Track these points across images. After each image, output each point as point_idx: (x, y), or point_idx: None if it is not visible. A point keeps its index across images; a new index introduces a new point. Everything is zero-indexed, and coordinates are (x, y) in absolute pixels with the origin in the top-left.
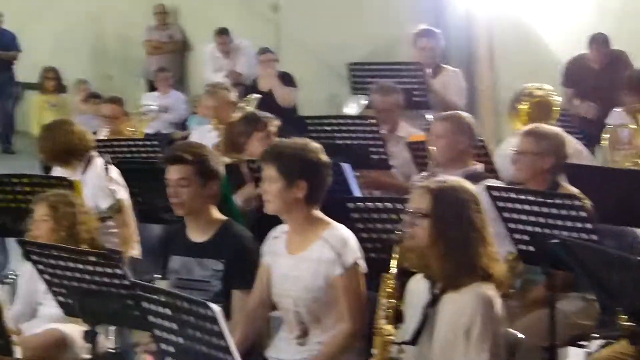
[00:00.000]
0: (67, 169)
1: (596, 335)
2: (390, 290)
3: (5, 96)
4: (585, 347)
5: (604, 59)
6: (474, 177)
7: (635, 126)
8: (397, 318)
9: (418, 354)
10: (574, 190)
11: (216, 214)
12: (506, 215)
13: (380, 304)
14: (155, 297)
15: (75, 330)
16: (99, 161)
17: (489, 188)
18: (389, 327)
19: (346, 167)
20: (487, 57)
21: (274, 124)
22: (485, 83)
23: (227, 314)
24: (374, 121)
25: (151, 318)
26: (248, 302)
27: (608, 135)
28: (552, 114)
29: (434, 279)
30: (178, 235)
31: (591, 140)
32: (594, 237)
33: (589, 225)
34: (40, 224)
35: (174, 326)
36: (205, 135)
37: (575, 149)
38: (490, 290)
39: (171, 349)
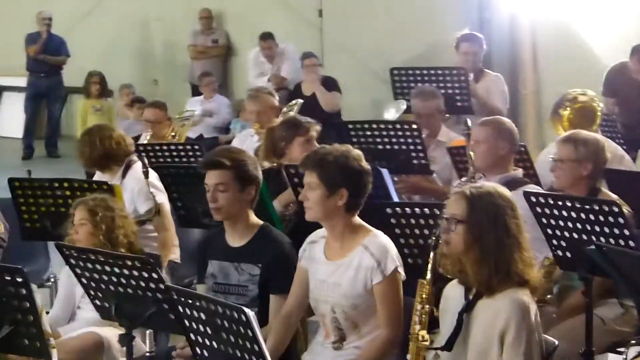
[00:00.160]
0: (107, 174)
1: (634, 341)
2: (425, 296)
3: (53, 100)
4: (623, 353)
5: None
6: (514, 183)
7: None
8: (432, 324)
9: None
10: (613, 196)
11: (254, 218)
12: (544, 221)
13: (415, 310)
14: (190, 301)
15: (112, 333)
16: (138, 165)
17: (527, 194)
18: (424, 333)
19: (384, 173)
20: (530, 62)
21: (316, 128)
22: (529, 88)
23: (265, 319)
24: (415, 126)
25: (186, 322)
26: (284, 307)
27: None
28: (595, 119)
29: (469, 284)
30: (216, 240)
31: (634, 146)
32: (632, 243)
33: (626, 232)
34: (79, 228)
35: (209, 330)
36: (247, 139)
37: (617, 155)
38: (525, 296)
39: (205, 352)
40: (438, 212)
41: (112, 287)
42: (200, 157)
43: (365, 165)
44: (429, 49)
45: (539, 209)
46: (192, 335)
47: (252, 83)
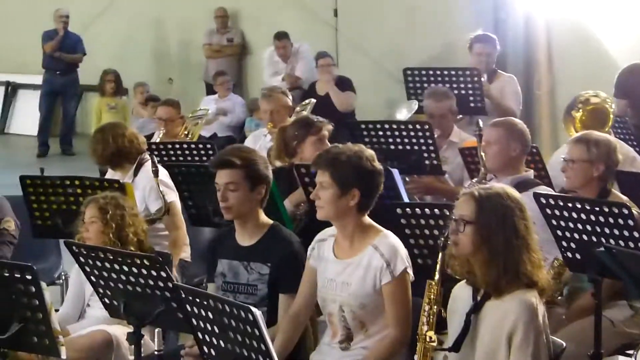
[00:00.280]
0: (119, 172)
1: None
2: (433, 296)
3: (68, 98)
4: (633, 356)
5: None
6: (525, 184)
7: None
8: (440, 325)
9: None
10: (623, 198)
11: (264, 218)
12: (553, 222)
13: (423, 310)
14: (198, 300)
15: (121, 331)
16: (149, 164)
17: (537, 195)
18: (431, 334)
19: (395, 173)
20: (545, 63)
21: (327, 128)
22: (544, 88)
23: (274, 318)
24: (427, 127)
25: (194, 321)
26: (292, 306)
27: None
28: (607, 121)
29: (477, 285)
30: (226, 239)
31: None
32: None
33: (636, 234)
34: (90, 226)
35: (216, 329)
36: (260, 139)
37: (628, 157)
38: (533, 297)
39: (213, 351)
40: (448, 213)
41: (120, 285)
42: (212, 156)
43: (378, 165)
44: (444, 49)
45: (548, 211)
46: (199, 334)
47: (266, 82)
